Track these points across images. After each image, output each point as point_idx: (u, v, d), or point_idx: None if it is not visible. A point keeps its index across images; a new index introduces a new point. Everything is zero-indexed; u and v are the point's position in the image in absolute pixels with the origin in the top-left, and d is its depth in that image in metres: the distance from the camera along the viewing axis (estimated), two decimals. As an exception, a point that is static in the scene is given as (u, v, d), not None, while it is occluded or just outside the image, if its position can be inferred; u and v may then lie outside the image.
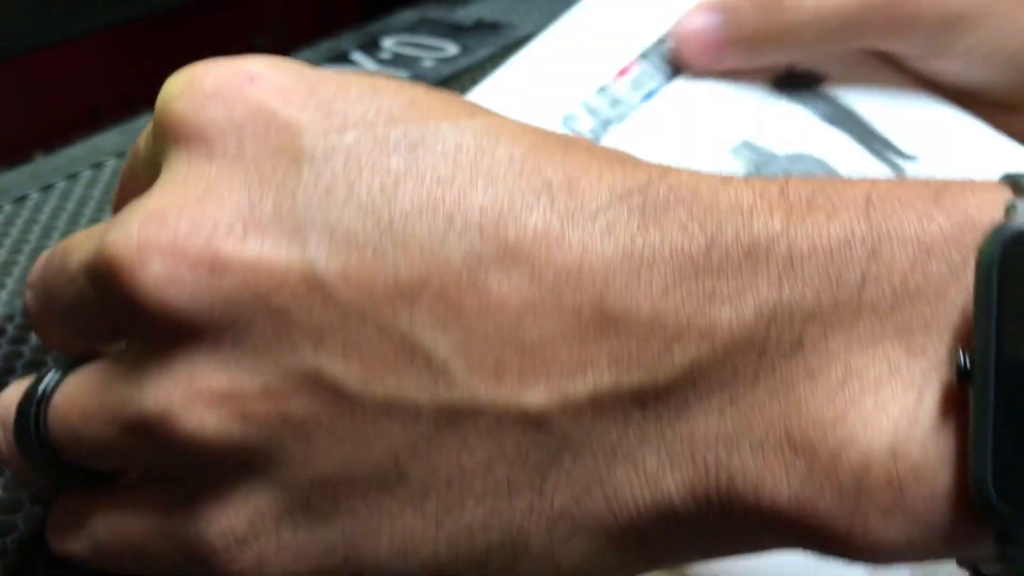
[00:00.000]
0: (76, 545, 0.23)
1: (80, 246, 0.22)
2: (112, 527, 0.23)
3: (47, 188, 0.46)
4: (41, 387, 0.23)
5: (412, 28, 0.67)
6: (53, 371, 0.23)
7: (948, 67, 0.37)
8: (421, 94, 0.22)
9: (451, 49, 0.63)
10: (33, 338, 0.35)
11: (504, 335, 0.19)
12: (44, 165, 0.49)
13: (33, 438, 0.23)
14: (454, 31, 0.67)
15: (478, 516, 0.20)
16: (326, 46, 0.65)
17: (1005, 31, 0.35)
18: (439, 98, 0.22)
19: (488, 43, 0.64)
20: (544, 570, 0.20)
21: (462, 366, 0.19)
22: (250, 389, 0.19)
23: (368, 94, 0.21)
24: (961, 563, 0.20)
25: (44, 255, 0.24)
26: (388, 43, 0.65)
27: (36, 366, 0.34)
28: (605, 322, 0.19)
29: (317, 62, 0.61)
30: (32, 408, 0.23)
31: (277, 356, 0.19)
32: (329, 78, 0.22)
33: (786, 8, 0.34)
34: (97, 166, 0.49)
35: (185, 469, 0.21)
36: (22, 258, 0.41)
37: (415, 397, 0.19)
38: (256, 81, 0.21)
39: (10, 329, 0.36)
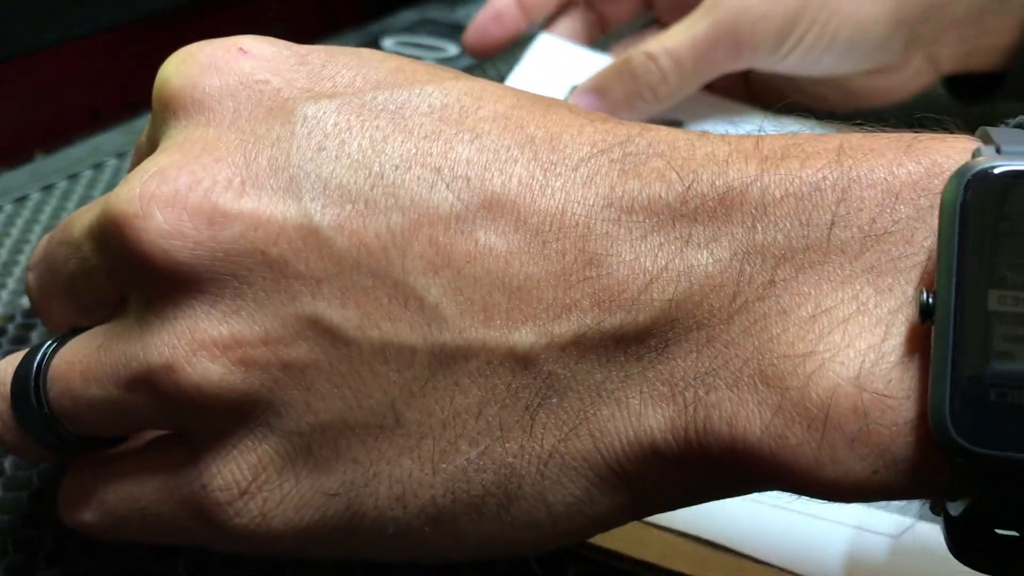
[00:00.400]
0: (87, 515, 0.23)
1: (82, 216, 0.23)
2: (120, 493, 0.23)
3: (48, 188, 0.46)
4: (38, 356, 0.23)
5: (412, 28, 0.67)
6: (49, 341, 0.23)
7: (796, 65, 0.42)
8: (406, 62, 0.23)
9: (451, 49, 0.63)
10: (34, 338, 0.36)
11: (492, 278, 0.20)
12: (45, 165, 0.49)
13: (34, 408, 0.23)
14: (454, 31, 0.67)
15: (472, 458, 0.20)
16: (326, 46, 0.65)
17: (833, 23, 0.40)
18: (423, 65, 0.23)
19: (488, 43, 0.64)
20: (537, 511, 0.21)
21: (453, 309, 0.20)
22: (251, 337, 0.20)
23: (355, 63, 0.22)
24: (933, 509, 0.20)
25: (44, 238, 0.25)
26: (388, 43, 0.65)
27: (36, 366, 0.34)
28: (587, 265, 0.20)
29: (317, 62, 0.61)
30: (31, 377, 0.23)
31: (276, 305, 0.20)
32: (317, 50, 0.23)
33: (644, 72, 0.40)
34: (98, 166, 0.49)
35: (189, 423, 0.21)
36: (23, 258, 0.41)
37: (409, 340, 0.20)
38: (248, 53, 0.22)
39: (11, 329, 0.36)
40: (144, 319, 0.21)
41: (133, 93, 0.63)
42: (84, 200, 0.46)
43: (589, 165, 0.21)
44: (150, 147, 0.23)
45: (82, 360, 0.22)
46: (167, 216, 0.20)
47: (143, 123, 0.53)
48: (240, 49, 0.22)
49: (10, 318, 0.37)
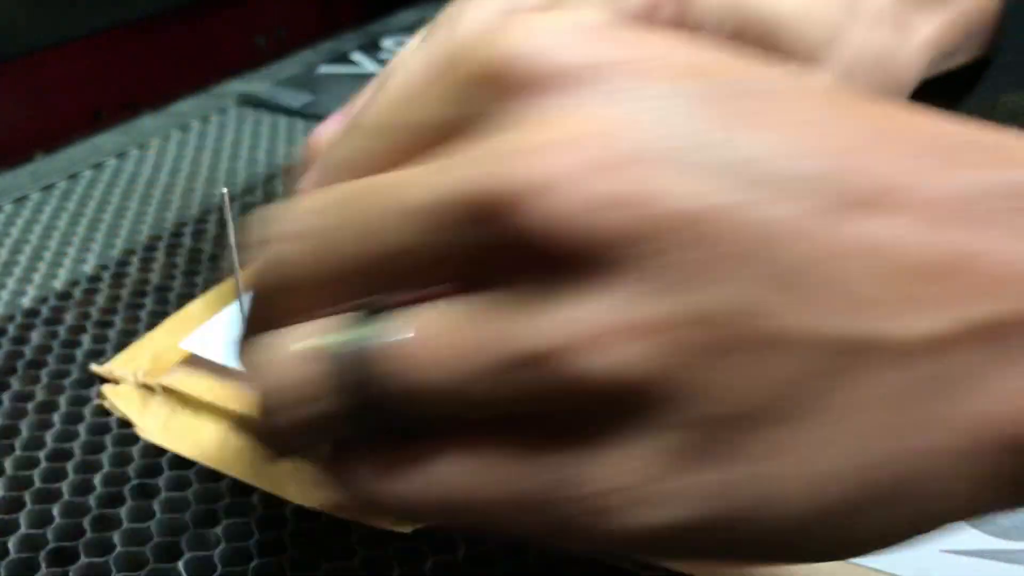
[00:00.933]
0: (403, 490, 0.22)
1: (418, 184, 0.21)
2: (453, 479, 0.21)
3: (48, 188, 0.47)
4: (374, 336, 0.21)
5: (412, 28, 0.67)
6: (375, 321, 0.21)
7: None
8: (729, 56, 0.22)
9: (451, 49, 0.63)
10: (34, 337, 0.36)
11: (885, 268, 0.19)
12: (45, 165, 0.49)
13: (369, 393, 0.21)
14: (454, 31, 0.67)
15: (881, 452, 0.20)
16: (326, 47, 0.65)
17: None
18: (753, 60, 0.22)
19: (488, 43, 0.64)
20: (932, 505, 0.20)
21: (851, 299, 0.19)
22: (654, 323, 0.19)
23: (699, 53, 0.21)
24: None
25: (313, 205, 0.22)
26: (388, 43, 0.65)
27: (37, 366, 0.34)
28: (976, 254, 0.19)
29: (317, 62, 0.61)
30: (368, 359, 0.21)
31: (679, 292, 0.19)
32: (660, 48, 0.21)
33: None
34: (98, 166, 0.49)
35: (571, 413, 0.20)
36: (23, 258, 0.41)
37: (811, 331, 0.19)
38: (594, 29, 0.21)
39: (11, 329, 0.36)
40: (526, 299, 0.20)
41: (133, 93, 0.63)
42: (84, 200, 0.46)
43: (953, 147, 0.20)
44: (443, 127, 0.22)
45: (438, 336, 0.20)
46: (571, 194, 0.19)
47: (143, 123, 0.53)
48: (584, 26, 0.21)
49: (10, 318, 0.37)
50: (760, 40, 0.32)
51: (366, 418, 0.21)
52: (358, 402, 0.21)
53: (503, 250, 0.20)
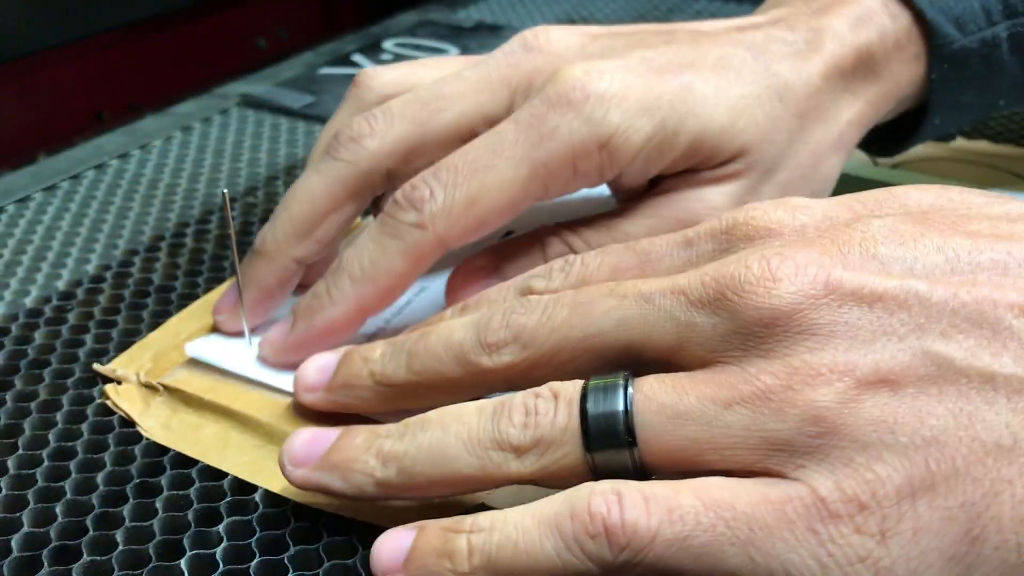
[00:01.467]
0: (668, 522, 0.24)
1: (677, 291, 0.25)
2: (712, 506, 0.23)
3: (50, 189, 0.47)
4: (622, 398, 0.25)
5: (412, 30, 0.68)
6: (617, 386, 0.25)
7: None
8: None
9: (451, 51, 0.63)
10: (37, 337, 0.36)
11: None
12: (47, 166, 0.49)
13: (623, 454, 0.24)
14: (454, 33, 0.67)
15: None
16: (327, 48, 0.65)
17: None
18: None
19: (488, 44, 0.65)
20: None
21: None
22: (863, 365, 0.23)
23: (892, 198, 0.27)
24: None
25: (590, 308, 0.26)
26: (389, 45, 0.65)
27: (39, 365, 0.34)
28: None
29: (318, 64, 0.62)
30: (620, 418, 0.24)
31: (883, 342, 0.23)
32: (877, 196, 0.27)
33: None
34: (100, 167, 0.49)
35: (787, 441, 0.23)
36: (26, 258, 0.41)
37: (1013, 371, 0.22)
38: (803, 209, 0.27)
39: (14, 328, 0.36)
40: (748, 360, 0.24)
41: (135, 94, 0.64)
42: (86, 201, 0.46)
43: None
44: (700, 256, 0.27)
45: (672, 395, 0.24)
46: (794, 285, 0.24)
47: (145, 125, 0.54)
48: (794, 206, 0.27)
49: (13, 318, 0.37)
50: (687, 157, 0.34)
51: (613, 470, 0.24)
52: (605, 453, 0.24)
53: (740, 323, 0.24)
